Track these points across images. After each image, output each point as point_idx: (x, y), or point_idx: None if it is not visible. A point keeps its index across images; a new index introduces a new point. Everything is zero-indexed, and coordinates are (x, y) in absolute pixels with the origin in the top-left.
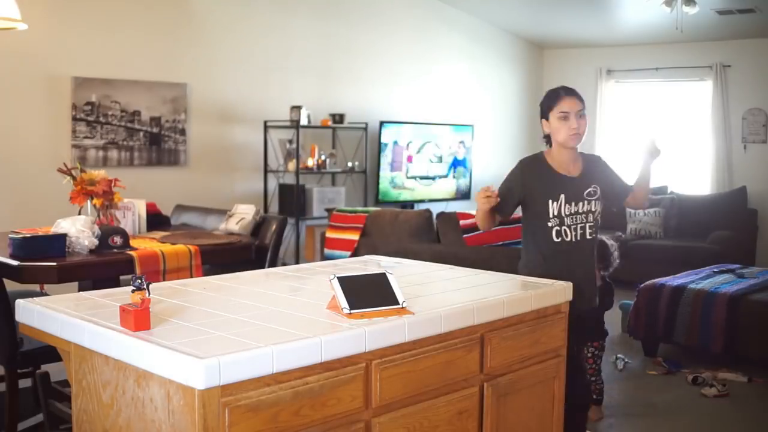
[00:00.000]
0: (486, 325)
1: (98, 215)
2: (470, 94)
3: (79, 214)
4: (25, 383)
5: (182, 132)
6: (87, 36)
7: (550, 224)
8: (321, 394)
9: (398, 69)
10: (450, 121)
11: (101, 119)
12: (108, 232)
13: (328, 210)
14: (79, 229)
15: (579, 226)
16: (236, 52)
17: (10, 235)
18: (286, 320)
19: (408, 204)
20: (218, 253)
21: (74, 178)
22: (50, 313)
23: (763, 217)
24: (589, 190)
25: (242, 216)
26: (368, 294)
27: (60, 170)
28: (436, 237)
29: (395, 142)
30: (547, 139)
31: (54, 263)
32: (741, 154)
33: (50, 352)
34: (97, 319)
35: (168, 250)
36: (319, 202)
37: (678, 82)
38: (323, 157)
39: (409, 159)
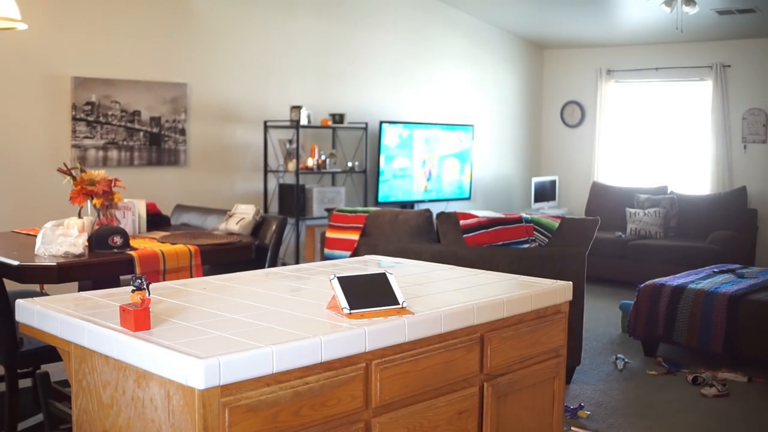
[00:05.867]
0: (486, 325)
1: (98, 215)
2: (470, 94)
3: (79, 214)
4: (25, 383)
5: (182, 132)
6: (87, 36)
7: None
8: (321, 394)
9: (398, 69)
10: (450, 121)
11: (101, 119)
12: (108, 232)
13: (328, 210)
14: (63, 233)
15: None
16: (236, 52)
17: None
18: (286, 320)
19: (408, 204)
20: (218, 253)
21: (74, 178)
22: (50, 313)
23: (763, 217)
24: None
25: (242, 216)
26: (368, 294)
27: (60, 170)
28: (436, 237)
29: (395, 142)
30: None
31: (54, 263)
32: (741, 154)
33: (50, 352)
34: (97, 319)
35: (168, 250)
36: (319, 202)
37: (678, 82)
38: (323, 157)
39: (409, 159)
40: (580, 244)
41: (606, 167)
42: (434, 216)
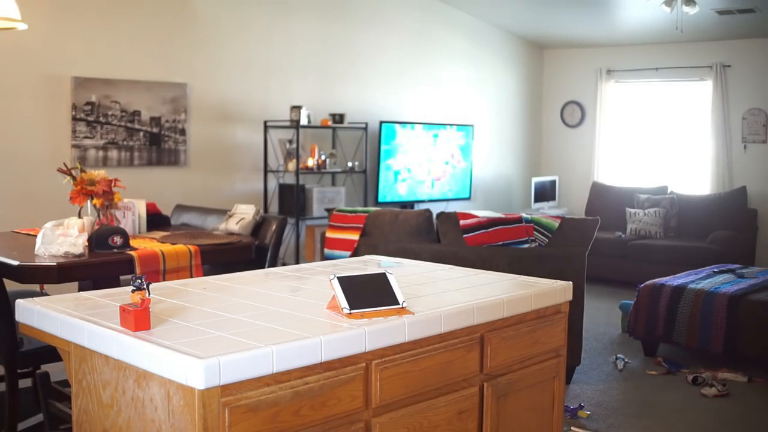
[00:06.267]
0: (486, 325)
1: (98, 215)
2: (470, 94)
3: (79, 214)
4: (25, 383)
5: (182, 132)
6: (87, 36)
7: None
8: (321, 394)
9: (398, 69)
10: (450, 120)
11: (101, 119)
12: (108, 232)
13: (328, 210)
14: (63, 233)
15: None
16: (236, 52)
17: None
18: (286, 320)
19: (408, 204)
20: (218, 253)
21: (74, 178)
22: (50, 313)
23: (763, 217)
24: None
25: (242, 216)
26: (368, 294)
27: (60, 170)
28: (436, 237)
29: (395, 142)
30: None
31: (54, 263)
32: (741, 154)
33: (50, 352)
34: (97, 319)
35: (168, 250)
36: (319, 202)
37: (678, 82)
38: (323, 157)
39: (409, 158)
40: (580, 244)
41: (606, 167)
42: (434, 216)
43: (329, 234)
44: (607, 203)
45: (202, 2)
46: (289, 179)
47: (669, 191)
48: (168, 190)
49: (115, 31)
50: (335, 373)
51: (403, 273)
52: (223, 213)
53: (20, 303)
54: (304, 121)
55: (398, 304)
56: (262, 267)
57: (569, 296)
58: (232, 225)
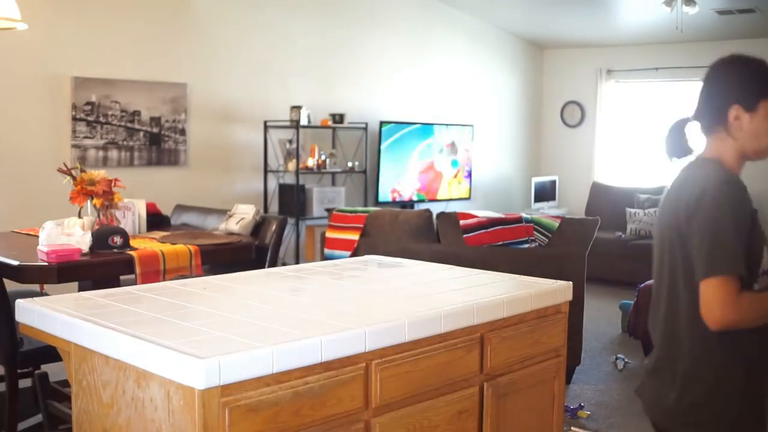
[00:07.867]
0: (486, 325)
1: (98, 215)
2: (470, 94)
3: (79, 214)
4: (25, 383)
5: (182, 132)
6: (87, 36)
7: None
8: (321, 394)
9: (398, 69)
10: (450, 121)
11: (101, 119)
12: (108, 232)
13: (328, 210)
14: (66, 232)
15: None
16: (236, 52)
17: None
18: (286, 320)
19: (408, 204)
20: (218, 253)
21: (74, 178)
22: (50, 313)
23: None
24: None
25: (242, 216)
26: None
27: (60, 170)
28: (436, 237)
29: (395, 142)
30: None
31: (54, 263)
32: None
33: (50, 352)
34: (97, 319)
35: (168, 250)
36: (319, 202)
37: (678, 82)
38: (323, 157)
39: (409, 158)
40: (580, 244)
41: (606, 167)
42: (434, 216)
43: (329, 234)
44: (607, 203)
45: (202, 2)
46: (289, 179)
47: None
48: (168, 190)
49: (115, 31)
50: (335, 373)
51: (403, 273)
52: (223, 213)
53: (20, 303)
54: (304, 121)
55: None
56: (262, 267)
57: (569, 296)
58: (232, 225)
